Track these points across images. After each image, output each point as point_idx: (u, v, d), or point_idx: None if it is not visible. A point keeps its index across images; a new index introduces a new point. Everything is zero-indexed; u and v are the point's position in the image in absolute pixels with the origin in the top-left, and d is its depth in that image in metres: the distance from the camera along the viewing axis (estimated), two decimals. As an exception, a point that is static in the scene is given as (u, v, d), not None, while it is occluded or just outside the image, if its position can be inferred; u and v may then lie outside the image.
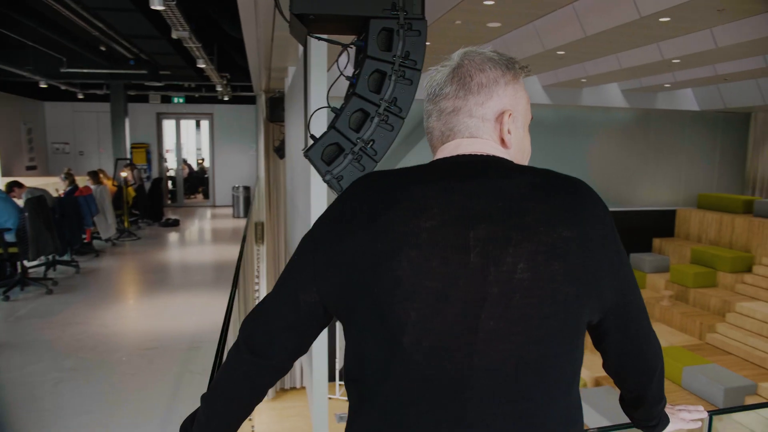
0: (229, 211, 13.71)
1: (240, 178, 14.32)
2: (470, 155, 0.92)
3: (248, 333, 0.98)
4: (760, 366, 7.73)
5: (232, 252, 8.49)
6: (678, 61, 7.36)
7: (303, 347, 0.99)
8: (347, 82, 2.38)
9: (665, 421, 1.10)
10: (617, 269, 0.88)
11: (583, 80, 9.40)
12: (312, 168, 3.73)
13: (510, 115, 0.94)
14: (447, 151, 0.95)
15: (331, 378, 9.17)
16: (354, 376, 0.91)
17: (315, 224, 0.96)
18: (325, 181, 2.18)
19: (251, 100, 14.50)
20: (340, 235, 0.88)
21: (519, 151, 0.97)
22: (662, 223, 11.31)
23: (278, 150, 10.24)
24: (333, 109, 2.27)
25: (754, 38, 6.04)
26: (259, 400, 1.01)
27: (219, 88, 12.66)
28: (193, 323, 4.58)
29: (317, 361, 3.70)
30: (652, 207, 11.38)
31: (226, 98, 14.02)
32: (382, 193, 0.87)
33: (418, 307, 0.81)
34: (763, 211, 9.96)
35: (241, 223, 12.15)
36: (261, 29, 5.11)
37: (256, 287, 8.67)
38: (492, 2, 5.29)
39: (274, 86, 9.68)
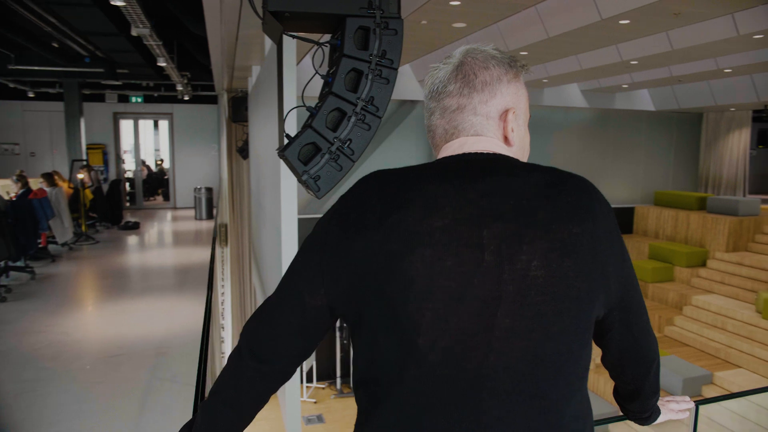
0: (191, 213, 13.42)
1: (202, 180, 14.04)
2: (477, 153, 0.92)
3: (251, 339, 0.95)
4: (715, 356, 8.05)
5: (195, 255, 8.31)
6: (636, 62, 7.58)
7: (308, 351, 0.96)
8: (318, 81, 2.35)
9: (657, 412, 1.12)
10: (621, 264, 0.89)
11: (545, 80, 9.58)
12: (282, 168, 3.69)
13: (513, 112, 0.95)
14: (452, 149, 0.95)
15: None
16: (365, 379, 0.89)
17: (320, 225, 0.93)
18: (301, 180, 2.15)
19: (212, 100, 14.23)
20: (349, 235, 0.86)
21: (521, 149, 0.97)
22: (621, 220, 11.63)
23: (241, 150, 10.08)
24: (308, 109, 2.23)
25: (707, 42, 6.28)
26: (262, 407, 0.99)
27: (179, 88, 12.38)
28: (159, 329, 4.46)
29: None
30: (611, 204, 11.69)
31: (186, 98, 13.72)
32: (392, 193, 0.86)
33: (433, 307, 0.80)
34: (715, 208, 10.37)
35: (204, 225, 11.90)
36: (226, 27, 5.01)
37: (222, 290, 8.51)
38: (458, 3, 5.33)
39: (237, 86, 9.53)
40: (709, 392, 7.21)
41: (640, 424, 1.13)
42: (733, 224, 9.71)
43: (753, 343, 7.74)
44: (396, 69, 2.16)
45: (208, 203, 13.12)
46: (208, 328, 2.17)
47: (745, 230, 9.89)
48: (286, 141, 2.39)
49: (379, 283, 0.83)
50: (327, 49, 2.40)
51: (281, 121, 2.17)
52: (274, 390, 0.98)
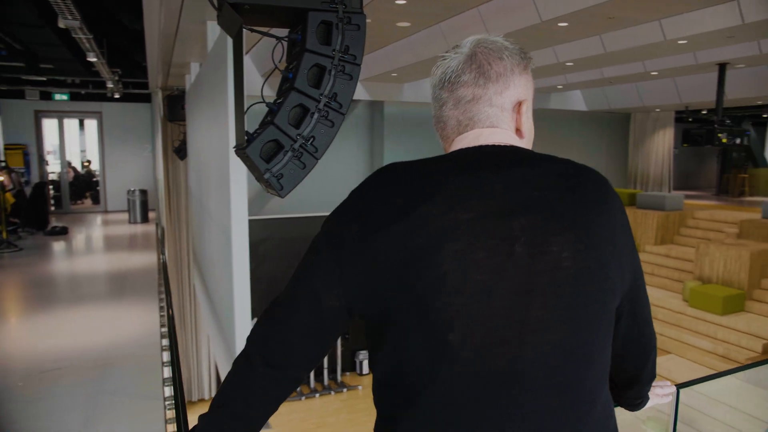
0: (124, 216, 12.81)
1: (135, 181, 13.43)
2: (495, 146, 0.90)
3: (263, 345, 0.90)
4: (648, 344, 8.47)
5: (134, 260, 7.93)
6: (571, 63, 7.87)
7: (322, 355, 0.93)
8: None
9: (647, 398, 1.14)
10: (633, 254, 0.91)
11: (484, 81, 9.81)
12: (232, 168, 3.56)
13: (526, 104, 0.94)
14: (467, 141, 0.92)
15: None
16: (391, 382, 0.85)
17: (333, 221, 0.89)
18: (263, 179, 2.08)
19: (145, 98, 13.65)
20: (371, 231, 0.82)
21: (529, 141, 0.96)
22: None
23: (178, 150, 9.71)
24: (268, 105, 2.16)
25: (637, 45, 6.60)
26: (271, 414, 0.94)
27: (110, 85, 11.77)
28: (99, 339, 4.20)
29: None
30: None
31: (117, 95, 13.07)
32: (414, 186, 0.83)
33: (465, 302, 0.78)
34: (644, 203, 10.95)
35: (140, 228, 11.40)
36: (165, 21, 4.79)
37: (161, 296, 8.14)
38: (404, 2, 5.35)
39: (173, 83, 9.17)
40: (643, 378, 7.59)
41: (630, 410, 1.15)
42: (660, 219, 10.28)
43: (681, 329, 8.21)
44: (359, 65, 2.13)
45: (143, 206, 12.56)
46: (174, 335, 2.05)
47: (671, 224, 10.50)
48: (246, 139, 2.30)
49: (407, 279, 0.80)
50: (285, 44, 2.33)
51: (240, 118, 2.08)
52: (285, 398, 0.94)
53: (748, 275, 8.18)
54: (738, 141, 7.74)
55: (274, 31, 2.21)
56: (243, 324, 3.49)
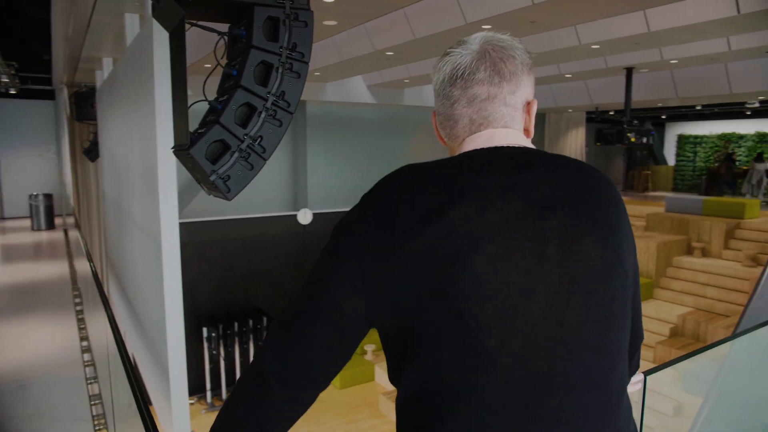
0: (26, 223, 11.82)
1: (38, 185, 12.43)
2: (510, 147, 0.88)
3: (279, 362, 0.84)
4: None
5: (40, 271, 7.32)
6: (493, 66, 8.12)
7: (339, 370, 0.87)
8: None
9: None
10: (634, 249, 0.92)
11: (406, 81, 9.91)
12: (161, 170, 3.36)
13: (534, 104, 0.94)
14: (480, 141, 0.90)
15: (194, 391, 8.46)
16: (423, 393, 0.80)
17: (350, 227, 0.84)
18: (208, 181, 1.96)
19: (48, 95, 12.67)
20: (397, 236, 0.78)
21: (530, 141, 0.95)
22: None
23: (89, 152, 9.09)
24: (211, 103, 2.05)
25: (554, 49, 6.92)
26: None
27: (5, 79, 10.81)
28: (9, 358, 3.82)
29: (175, 373, 3.34)
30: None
31: (13, 91, 12.03)
32: (438, 188, 0.80)
33: (501, 305, 0.76)
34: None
35: (45, 236, 10.56)
36: (76, 12, 4.45)
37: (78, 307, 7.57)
38: (331, 0, 5.28)
39: (82, 79, 8.58)
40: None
41: None
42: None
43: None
44: (307, 63, 2.07)
45: (47, 211, 11.64)
46: (124, 350, 1.89)
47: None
48: (172, 139, 2.18)
49: (439, 285, 0.76)
50: (226, 40, 2.23)
51: (182, 118, 1.95)
52: (298, 418, 0.88)
53: (656, 265, 8.81)
54: (644, 140, 8.32)
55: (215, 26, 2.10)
56: (175, 333, 3.31)
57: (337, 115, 11.05)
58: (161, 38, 3.12)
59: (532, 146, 0.91)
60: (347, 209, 0.88)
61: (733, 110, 15.08)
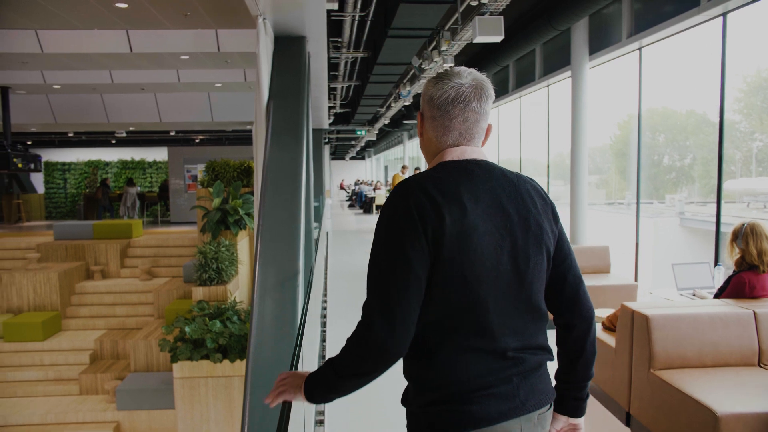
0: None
1: None
2: (477, 160, 1.32)
3: (382, 308, 1.18)
4: None
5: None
6: None
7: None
8: None
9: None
10: (554, 219, 1.39)
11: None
12: None
13: (490, 127, 1.39)
14: (455, 154, 1.32)
15: None
16: (437, 319, 1.24)
17: (396, 214, 1.23)
18: None
19: None
20: (440, 216, 1.20)
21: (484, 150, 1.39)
22: None
23: None
24: None
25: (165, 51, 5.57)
26: None
27: None
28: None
29: None
30: None
31: None
32: (444, 190, 1.23)
33: (486, 263, 1.23)
34: None
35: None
36: None
37: None
38: None
39: None
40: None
41: (576, 411, 1.41)
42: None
43: (2, 369, 7.58)
44: None
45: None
46: None
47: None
48: None
49: (452, 251, 1.20)
50: None
51: None
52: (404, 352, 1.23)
53: (59, 295, 8.44)
54: (32, 166, 7.74)
55: None
56: None
57: None
58: None
59: (487, 158, 1.35)
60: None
61: (100, 138, 15.99)
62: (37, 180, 17.84)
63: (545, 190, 1.43)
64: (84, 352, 7.75)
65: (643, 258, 7.40)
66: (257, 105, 3.47)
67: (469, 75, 1.32)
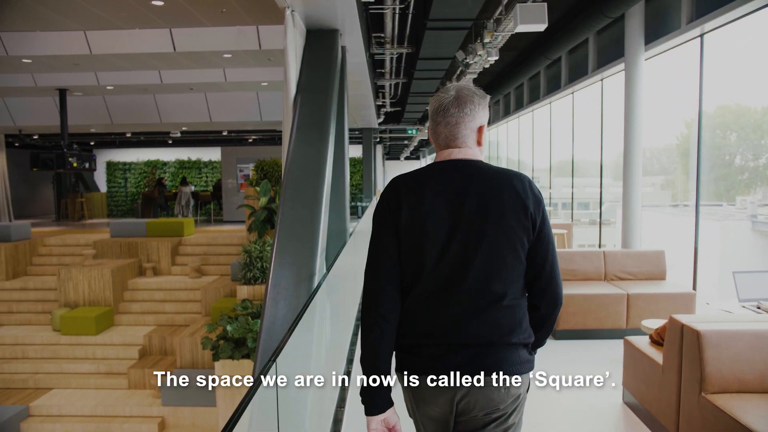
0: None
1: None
2: (457, 160, 1.54)
3: (384, 270, 1.53)
4: (24, 388, 7.69)
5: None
6: None
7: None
8: None
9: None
10: (526, 211, 1.53)
11: None
12: None
13: (484, 127, 1.57)
14: (444, 156, 1.56)
15: None
16: (403, 280, 1.54)
17: (379, 208, 1.55)
18: None
19: None
20: (399, 204, 1.51)
21: (482, 149, 1.59)
22: None
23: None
24: None
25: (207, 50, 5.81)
26: None
27: None
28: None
29: None
30: None
31: None
32: (413, 185, 1.51)
33: (437, 241, 1.48)
34: None
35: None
36: None
37: None
38: None
39: None
40: (30, 427, 6.87)
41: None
42: (8, 250, 9.43)
43: (59, 361, 7.89)
44: None
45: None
46: None
47: (21, 255, 9.81)
48: None
49: (406, 230, 1.50)
50: None
51: None
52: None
53: (113, 291, 8.71)
54: (86, 165, 8.03)
55: None
56: None
57: None
58: None
59: (476, 158, 1.56)
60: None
61: (157, 139, 16.51)
62: (102, 179, 18.65)
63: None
64: (134, 347, 7.96)
65: (707, 265, 6.85)
66: (285, 100, 3.37)
67: (453, 89, 1.58)
